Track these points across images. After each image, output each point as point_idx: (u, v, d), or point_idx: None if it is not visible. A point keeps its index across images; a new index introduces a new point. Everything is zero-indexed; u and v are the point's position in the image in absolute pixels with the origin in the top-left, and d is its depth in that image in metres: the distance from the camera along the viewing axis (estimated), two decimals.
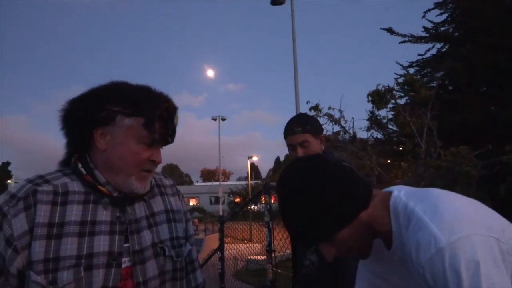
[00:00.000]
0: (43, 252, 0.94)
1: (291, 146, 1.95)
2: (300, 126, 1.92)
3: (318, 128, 1.99)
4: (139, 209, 1.13)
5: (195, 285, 1.21)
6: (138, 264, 1.05)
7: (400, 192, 0.99)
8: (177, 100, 1.16)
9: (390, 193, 1.00)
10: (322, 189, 0.94)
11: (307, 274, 1.85)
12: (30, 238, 0.94)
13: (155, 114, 1.05)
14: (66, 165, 1.13)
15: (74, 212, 1.01)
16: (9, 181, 36.91)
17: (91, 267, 0.97)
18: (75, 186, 1.05)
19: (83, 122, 1.06)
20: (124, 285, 1.02)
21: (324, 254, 1.00)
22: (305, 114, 2.06)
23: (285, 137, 1.97)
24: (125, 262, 1.04)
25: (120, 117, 1.04)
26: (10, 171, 35.45)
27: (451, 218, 0.85)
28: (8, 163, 35.51)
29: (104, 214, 1.05)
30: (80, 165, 1.07)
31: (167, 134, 1.10)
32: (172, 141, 1.14)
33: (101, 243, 1.01)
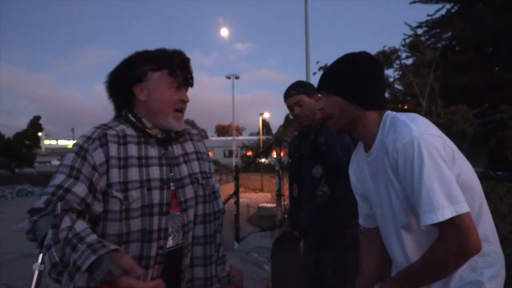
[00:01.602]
0: (118, 177, 1.22)
1: (289, 107, 2.23)
2: (294, 89, 2.19)
3: (312, 89, 2.22)
4: (177, 149, 1.40)
5: (217, 209, 1.46)
6: (179, 188, 1.33)
7: (392, 112, 1.24)
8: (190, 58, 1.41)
9: (384, 111, 1.24)
10: (361, 67, 1.23)
11: (319, 203, 2.10)
12: (107, 166, 1.22)
13: (174, 64, 1.33)
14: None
15: (133, 150, 1.28)
16: (39, 133, 37.75)
17: (151, 188, 1.25)
18: (130, 131, 1.32)
19: (124, 83, 1.33)
20: (172, 202, 1.30)
21: (320, 101, 1.31)
22: (299, 80, 2.32)
23: (284, 100, 2.25)
24: (172, 186, 1.32)
25: (150, 73, 1.32)
26: (41, 125, 36.21)
27: (425, 124, 1.10)
28: (38, 117, 36.19)
29: (153, 151, 1.32)
30: (130, 115, 1.35)
31: (187, 78, 1.38)
32: (192, 83, 1.41)
33: (155, 172, 1.29)
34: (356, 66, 1.24)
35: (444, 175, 0.99)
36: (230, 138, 49.58)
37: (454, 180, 1.01)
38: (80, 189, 1.17)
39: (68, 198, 1.14)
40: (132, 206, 1.22)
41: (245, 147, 41.54)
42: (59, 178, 1.18)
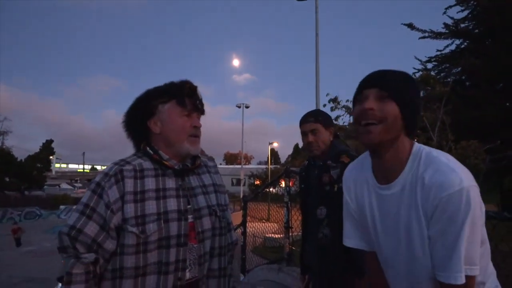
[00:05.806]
0: (133, 211, 1.24)
1: (303, 133, 2.16)
2: (313, 117, 2.15)
3: (329, 121, 2.20)
4: (194, 180, 1.42)
5: (231, 241, 1.48)
6: (197, 219, 1.34)
7: (423, 145, 1.15)
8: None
9: (414, 142, 1.14)
10: (418, 91, 1.20)
11: (320, 245, 2.05)
12: (122, 202, 1.24)
13: (182, 93, 1.39)
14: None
15: (150, 183, 1.31)
16: (51, 157, 38.09)
17: (168, 221, 1.27)
18: (147, 164, 1.35)
19: (139, 120, 1.40)
20: (190, 234, 1.31)
21: (368, 99, 1.10)
22: (319, 110, 2.32)
23: (300, 125, 2.19)
24: (190, 218, 1.33)
25: (161, 106, 1.38)
26: (53, 148, 36.56)
27: (466, 170, 1.05)
28: (51, 141, 36.54)
29: (170, 182, 1.35)
30: (148, 148, 1.39)
31: (196, 104, 1.41)
32: (202, 108, 1.44)
33: (172, 203, 1.30)
34: (416, 87, 1.17)
35: (475, 236, 1.01)
36: (238, 166, 49.50)
37: (479, 241, 1.02)
38: (91, 229, 1.22)
39: (80, 239, 1.21)
40: (149, 239, 1.23)
41: (253, 175, 41.37)
42: (73, 217, 1.25)
